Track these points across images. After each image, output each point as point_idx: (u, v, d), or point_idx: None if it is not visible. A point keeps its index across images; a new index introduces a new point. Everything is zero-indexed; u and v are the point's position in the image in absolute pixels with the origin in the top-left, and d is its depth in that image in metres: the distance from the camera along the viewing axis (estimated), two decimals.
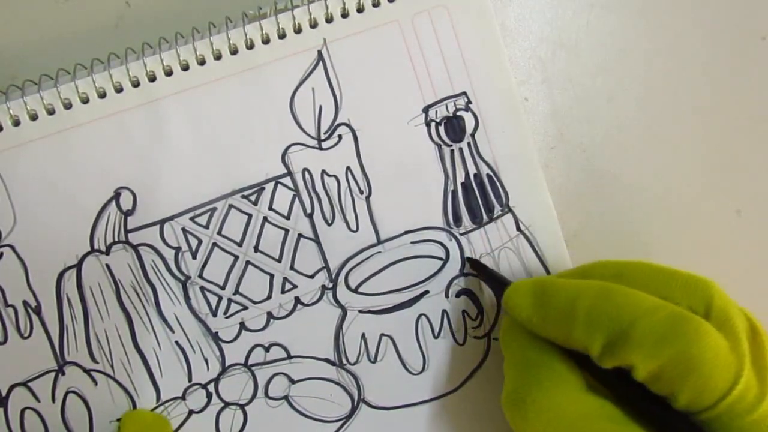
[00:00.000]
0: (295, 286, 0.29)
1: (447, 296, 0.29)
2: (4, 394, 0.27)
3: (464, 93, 0.29)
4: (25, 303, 0.27)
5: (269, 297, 0.28)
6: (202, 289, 0.28)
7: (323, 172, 0.28)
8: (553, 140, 0.31)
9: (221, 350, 0.28)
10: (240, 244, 0.28)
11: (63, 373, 0.27)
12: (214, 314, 0.28)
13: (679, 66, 0.32)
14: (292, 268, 0.29)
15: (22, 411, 0.27)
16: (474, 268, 0.29)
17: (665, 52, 0.32)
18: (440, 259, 0.29)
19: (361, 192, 0.29)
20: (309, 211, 0.28)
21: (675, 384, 0.22)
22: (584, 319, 0.23)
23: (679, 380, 0.22)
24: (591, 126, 0.31)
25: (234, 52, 0.27)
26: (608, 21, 0.31)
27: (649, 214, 0.32)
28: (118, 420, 0.28)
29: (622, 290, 0.23)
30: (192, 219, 0.28)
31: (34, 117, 0.26)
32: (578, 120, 0.31)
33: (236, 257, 0.28)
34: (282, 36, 0.27)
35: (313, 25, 0.28)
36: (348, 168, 0.28)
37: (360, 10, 0.28)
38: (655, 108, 0.32)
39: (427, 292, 0.29)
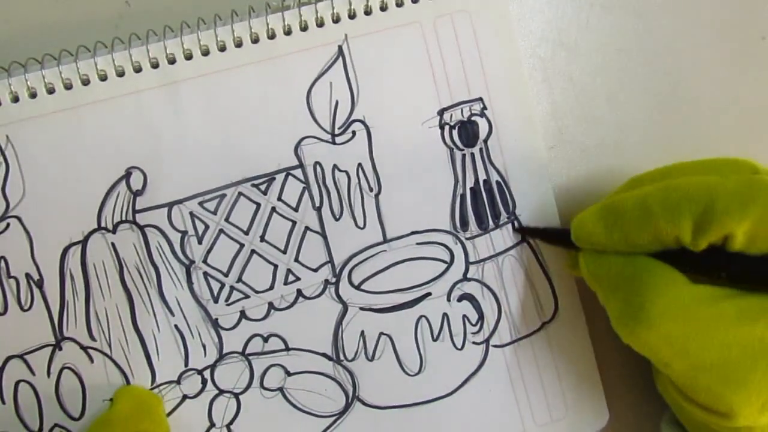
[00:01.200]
0: (298, 279, 0.29)
1: (449, 300, 0.29)
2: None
3: (480, 99, 0.29)
4: (28, 276, 0.27)
5: (272, 287, 0.28)
6: (206, 274, 0.28)
7: (335, 166, 0.28)
8: (553, 140, 0.31)
9: (220, 337, 0.28)
10: (246, 233, 0.28)
11: (60, 349, 0.27)
12: (216, 300, 0.28)
13: (679, 66, 0.32)
14: (296, 260, 0.29)
15: (17, 383, 0.27)
16: (528, 235, 0.30)
17: (665, 52, 0.32)
18: (444, 262, 0.29)
19: (371, 189, 0.29)
20: (318, 204, 0.28)
21: None
22: (664, 212, 0.23)
23: None
24: (591, 126, 0.31)
25: (255, 41, 0.27)
26: (608, 21, 0.31)
27: None
28: (111, 400, 0.28)
29: (684, 179, 0.24)
30: (200, 204, 0.28)
31: (51, 90, 0.26)
32: (578, 120, 0.31)
33: (242, 245, 0.28)
34: (304, 28, 0.28)
35: (336, 20, 0.28)
36: (359, 164, 0.29)
37: (383, 8, 0.28)
38: (655, 108, 0.32)
39: (429, 294, 0.29)
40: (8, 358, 0.27)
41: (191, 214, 0.28)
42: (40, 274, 0.27)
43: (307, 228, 0.29)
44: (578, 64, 0.31)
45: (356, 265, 0.29)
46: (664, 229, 0.24)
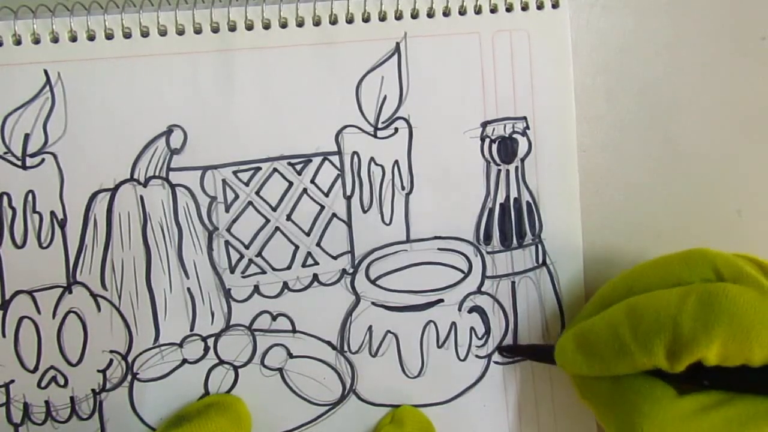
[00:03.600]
0: (316, 263, 0.29)
1: (459, 309, 0.30)
2: (7, 297, 0.27)
3: (525, 118, 0.29)
4: (53, 214, 0.27)
5: (289, 267, 0.29)
6: (227, 243, 0.28)
7: (372, 159, 0.29)
8: None
9: (230, 308, 0.28)
10: (274, 209, 0.28)
11: (70, 292, 0.27)
12: (232, 271, 0.28)
13: (679, 66, 0.32)
14: (318, 244, 0.29)
15: (20, 319, 0.27)
16: (513, 353, 0.30)
17: (665, 52, 0.32)
18: (462, 271, 0.30)
19: (403, 188, 0.29)
20: (349, 193, 0.29)
21: (744, 351, 0.23)
22: (636, 344, 0.24)
23: (745, 346, 0.23)
24: (591, 126, 0.31)
25: (317, 23, 0.28)
26: (608, 20, 0.31)
27: (649, 214, 0.32)
28: (111, 351, 0.28)
29: (644, 299, 0.25)
30: (235, 173, 0.28)
31: (109, 36, 0.27)
32: (578, 120, 0.31)
33: (267, 220, 0.28)
34: (366, 19, 0.28)
35: (398, 16, 0.28)
36: (396, 162, 0.29)
37: (446, 13, 0.28)
38: (655, 108, 0.32)
39: (441, 300, 0.29)
40: (17, 293, 0.27)
41: (224, 181, 0.28)
42: (64, 214, 0.27)
43: (334, 215, 0.29)
44: (578, 64, 0.31)
45: (375, 260, 0.29)
46: (641, 361, 0.24)
